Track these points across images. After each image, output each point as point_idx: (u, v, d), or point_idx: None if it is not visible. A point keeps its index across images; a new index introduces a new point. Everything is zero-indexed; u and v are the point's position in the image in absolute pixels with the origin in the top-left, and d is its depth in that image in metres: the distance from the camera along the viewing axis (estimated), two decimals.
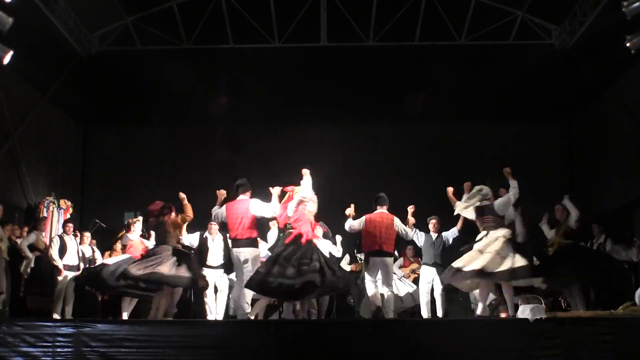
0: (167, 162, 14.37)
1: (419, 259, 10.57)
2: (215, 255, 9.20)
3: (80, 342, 6.52)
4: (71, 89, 13.12)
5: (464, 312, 10.02)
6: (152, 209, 8.34)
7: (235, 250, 7.71)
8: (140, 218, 9.56)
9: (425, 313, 9.13)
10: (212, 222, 9.05)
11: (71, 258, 9.67)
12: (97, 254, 10.75)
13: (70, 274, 9.70)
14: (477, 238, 7.65)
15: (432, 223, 9.38)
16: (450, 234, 9.38)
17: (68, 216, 11.89)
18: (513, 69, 12.60)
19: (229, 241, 8.00)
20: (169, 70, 12.66)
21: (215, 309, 9.08)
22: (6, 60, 8.58)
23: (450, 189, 8.34)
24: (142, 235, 9.66)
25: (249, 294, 7.68)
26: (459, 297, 9.99)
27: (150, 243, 9.30)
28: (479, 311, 7.63)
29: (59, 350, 6.51)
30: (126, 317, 8.98)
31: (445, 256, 9.14)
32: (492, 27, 12.79)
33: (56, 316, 9.16)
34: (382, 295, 8.16)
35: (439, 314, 9.22)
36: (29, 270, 9.50)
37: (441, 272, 8.49)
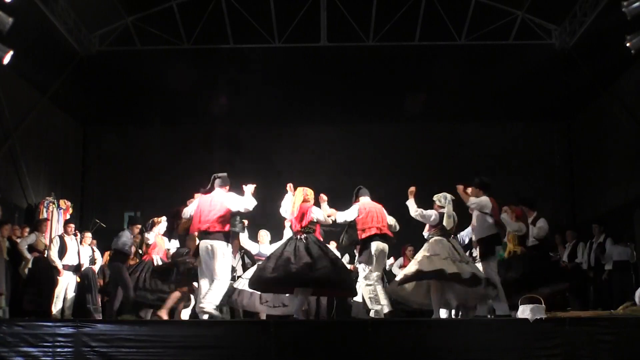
0: (167, 162, 14.38)
1: None
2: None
3: (80, 342, 6.50)
4: (71, 89, 13.12)
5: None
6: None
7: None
8: (164, 218, 9.26)
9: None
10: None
11: (71, 258, 9.68)
12: (97, 254, 10.77)
13: (71, 274, 9.72)
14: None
15: None
16: (466, 234, 9.24)
17: (68, 216, 11.90)
18: (513, 69, 12.58)
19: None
20: (169, 70, 12.66)
21: None
22: (6, 60, 8.58)
23: (460, 187, 7.97)
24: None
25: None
26: None
27: (172, 244, 9.27)
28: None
29: (59, 350, 6.48)
30: None
31: None
32: (492, 27, 12.78)
33: (56, 316, 9.18)
34: None
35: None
36: (26, 270, 9.50)
37: None
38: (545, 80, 13.18)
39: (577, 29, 12.36)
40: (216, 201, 7.49)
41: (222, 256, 7.37)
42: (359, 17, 12.80)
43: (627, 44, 8.77)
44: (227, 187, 7.68)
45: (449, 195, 7.94)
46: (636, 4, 8.26)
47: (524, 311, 6.77)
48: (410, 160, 14.34)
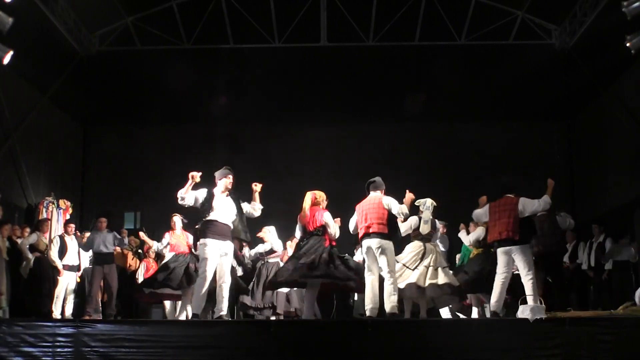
0: (167, 162, 14.35)
1: None
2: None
3: (80, 342, 6.50)
4: (71, 89, 13.12)
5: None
6: None
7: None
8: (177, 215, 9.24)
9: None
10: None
11: (71, 258, 9.68)
12: None
13: (71, 274, 9.72)
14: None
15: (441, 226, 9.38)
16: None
17: (68, 216, 11.90)
18: (513, 69, 12.58)
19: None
20: (169, 70, 12.66)
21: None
22: (6, 60, 8.57)
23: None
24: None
25: None
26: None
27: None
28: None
29: (59, 350, 6.48)
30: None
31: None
32: (492, 27, 12.76)
33: (56, 316, 9.18)
34: None
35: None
36: (27, 270, 9.50)
37: None
38: (545, 80, 13.19)
39: (577, 29, 12.35)
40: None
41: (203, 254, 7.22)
42: (359, 17, 12.78)
43: (627, 44, 8.76)
44: (220, 179, 7.54)
45: (429, 201, 8.12)
46: (636, 4, 8.25)
47: (524, 311, 6.77)
48: (410, 160, 14.34)
